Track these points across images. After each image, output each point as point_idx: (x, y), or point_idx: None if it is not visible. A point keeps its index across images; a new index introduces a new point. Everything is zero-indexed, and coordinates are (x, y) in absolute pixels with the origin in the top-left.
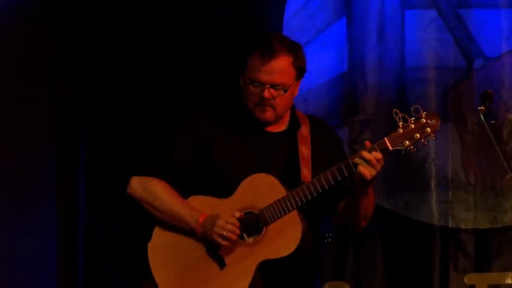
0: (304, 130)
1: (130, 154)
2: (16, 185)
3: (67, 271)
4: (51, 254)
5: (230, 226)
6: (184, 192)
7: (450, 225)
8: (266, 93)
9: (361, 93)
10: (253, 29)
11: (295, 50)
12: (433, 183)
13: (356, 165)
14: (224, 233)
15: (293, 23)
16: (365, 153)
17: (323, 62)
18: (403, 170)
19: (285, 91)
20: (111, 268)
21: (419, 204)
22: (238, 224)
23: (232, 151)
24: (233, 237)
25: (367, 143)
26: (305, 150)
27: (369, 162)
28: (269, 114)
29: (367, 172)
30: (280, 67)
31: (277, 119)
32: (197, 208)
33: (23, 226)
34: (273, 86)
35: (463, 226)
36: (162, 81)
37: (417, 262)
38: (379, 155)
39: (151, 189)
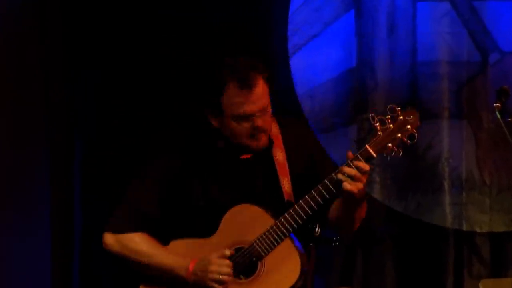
0: (274, 131)
1: (125, 154)
2: (10, 185)
3: (62, 272)
4: (46, 255)
5: (224, 269)
6: (162, 237)
7: (464, 228)
8: (259, 121)
9: (371, 90)
10: (257, 23)
11: (260, 64)
12: (446, 184)
13: (341, 181)
14: (220, 277)
15: (299, 16)
16: (346, 169)
17: (330, 57)
18: (415, 170)
19: (273, 111)
20: (106, 269)
21: (432, 206)
22: (231, 264)
23: (208, 187)
24: (229, 279)
25: (349, 154)
26: (279, 156)
27: (353, 178)
28: (264, 139)
29: (353, 188)
30: (260, 91)
31: None
32: (182, 253)
33: (18, 226)
34: (260, 111)
35: (478, 229)
36: (157, 81)
37: (429, 267)
38: (363, 165)
39: (130, 246)
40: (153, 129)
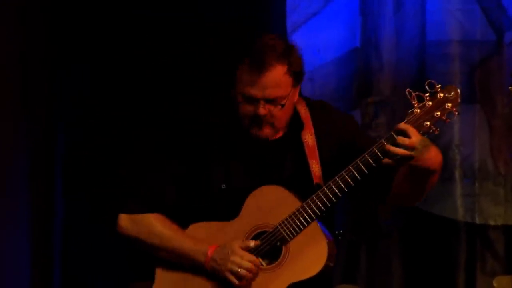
0: (304, 114)
1: (109, 151)
2: None
3: (42, 274)
4: (26, 255)
5: (246, 263)
6: (181, 221)
7: (477, 221)
8: (262, 110)
9: (376, 72)
10: (254, 3)
11: (289, 54)
12: (457, 174)
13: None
14: (239, 271)
15: None
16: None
17: (332, 37)
18: None
19: (283, 105)
20: (89, 271)
21: (442, 197)
22: (256, 260)
23: (231, 169)
24: (251, 275)
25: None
26: (309, 139)
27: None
28: (267, 131)
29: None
30: (274, 79)
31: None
32: (202, 238)
33: None
34: (268, 101)
35: (491, 223)
36: (144, 78)
37: (439, 264)
38: (396, 150)
39: (146, 228)
40: (137, 124)
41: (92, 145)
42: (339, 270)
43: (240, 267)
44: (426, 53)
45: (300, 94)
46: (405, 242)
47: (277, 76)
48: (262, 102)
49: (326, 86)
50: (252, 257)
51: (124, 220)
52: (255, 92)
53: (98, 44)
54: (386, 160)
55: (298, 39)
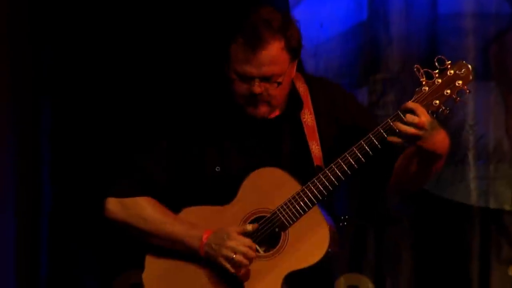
0: (303, 91)
1: (97, 137)
2: None
3: (28, 270)
4: (10, 245)
5: (242, 248)
6: (174, 206)
7: (491, 205)
8: (257, 88)
9: (384, 47)
10: None
11: (286, 29)
12: (470, 155)
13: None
14: (234, 257)
15: None
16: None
17: (337, 9)
18: None
19: (279, 83)
20: (76, 260)
21: (454, 181)
22: (254, 246)
23: (226, 151)
24: (246, 262)
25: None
26: (308, 118)
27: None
28: (264, 110)
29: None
30: (270, 56)
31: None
32: (196, 222)
33: None
34: (264, 79)
35: (507, 207)
36: (133, 61)
37: (451, 251)
38: (405, 128)
39: (136, 211)
40: (126, 107)
41: (80, 132)
42: (345, 258)
43: (234, 252)
44: (437, 26)
45: (301, 70)
46: (415, 228)
47: (273, 53)
48: (257, 80)
49: (331, 62)
50: (248, 242)
51: (113, 204)
52: (250, 69)
53: (84, 25)
54: (392, 138)
55: (301, 12)
